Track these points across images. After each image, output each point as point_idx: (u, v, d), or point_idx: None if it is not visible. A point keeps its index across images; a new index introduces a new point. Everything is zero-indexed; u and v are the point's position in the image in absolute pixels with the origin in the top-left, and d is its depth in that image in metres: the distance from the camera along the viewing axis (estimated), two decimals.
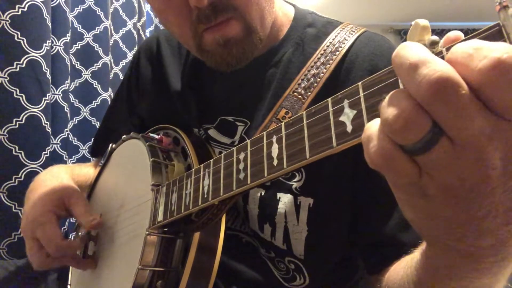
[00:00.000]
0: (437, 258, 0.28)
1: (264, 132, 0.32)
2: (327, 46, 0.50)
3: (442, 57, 0.20)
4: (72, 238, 0.61)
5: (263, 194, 0.51)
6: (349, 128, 0.25)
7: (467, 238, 0.23)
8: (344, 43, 0.50)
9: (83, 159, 1.03)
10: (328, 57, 0.49)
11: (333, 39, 0.51)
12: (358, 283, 0.60)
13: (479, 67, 0.18)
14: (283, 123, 0.30)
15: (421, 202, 0.22)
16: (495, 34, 0.19)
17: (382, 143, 0.21)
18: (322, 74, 0.48)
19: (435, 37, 0.21)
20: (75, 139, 1.03)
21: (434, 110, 0.19)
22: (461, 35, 0.21)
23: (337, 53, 0.49)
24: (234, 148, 0.36)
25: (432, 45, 0.21)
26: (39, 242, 0.53)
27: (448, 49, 0.20)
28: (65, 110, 0.94)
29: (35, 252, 0.53)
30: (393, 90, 0.22)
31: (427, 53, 0.19)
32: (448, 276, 0.28)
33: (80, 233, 0.59)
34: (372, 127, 0.22)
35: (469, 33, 0.20)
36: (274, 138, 0.31)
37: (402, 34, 3.51)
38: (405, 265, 0.38)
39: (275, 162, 0.30)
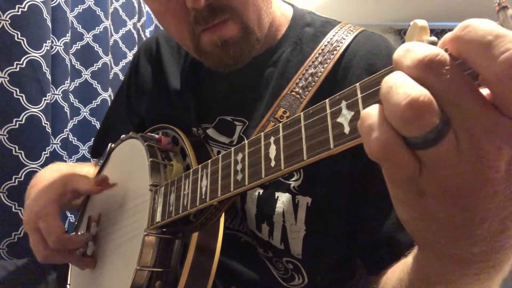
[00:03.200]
0: (428, 262, 0.27)
1: (262, 133, 0.32)
2: (325, 46, 0.50)
3: None
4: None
5: (261, 193, 0.51)
6: (346, 129, 0.24)
7: (460, 243, 0.22)
8: (341, 43, 0.50)
9: (83, 159, 1.03)
10: (326, 57, 0.49)
11: (331, 38, 0.51)
12: (357, 283, 0.60)
13: (500, 60, 0.16)
14: (280, 124, 0.30)
15: (418, 201, 0.22)
16: None
17: (386, 135, 0.19)
18: (320, 74, 0.48)
19: (434, 38, 0.21)
20: (75, 139, 1.03)
21: (426, 81, 0.18)
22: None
23: (335, 52, 0.49)
24: (232, 148, 0.36)
25: None
26: (42, 234, 0.53)
27: (447, 50, 0.20)
28: (65, 110, 0.94)
29: (38, 244, 0.53)
30: None
31: (420, 42, 0.19)
32: (439, 281, 0.27)
33: (80, 233, 0.59)
34: (372, 115, 0.20)
35: None
36: (272, 139, 0.31)
37: (402, 34, 3.51)
38: (400, 269, 0.38)
39: (273, 163, 0.30)
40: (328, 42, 0.51)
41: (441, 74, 0.18)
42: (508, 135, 0.18)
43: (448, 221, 0.22)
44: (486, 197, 0.20)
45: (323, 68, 0.48)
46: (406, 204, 0.23)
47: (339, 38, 0.51)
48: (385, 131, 0.19)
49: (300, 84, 0.48)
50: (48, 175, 0.61)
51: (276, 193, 0.50)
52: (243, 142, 0.35)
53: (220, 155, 0.37)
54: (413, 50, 0.19)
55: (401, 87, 0.18)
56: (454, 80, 0.18)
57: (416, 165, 0.20)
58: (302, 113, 0.28)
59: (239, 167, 0.34)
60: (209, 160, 0.39)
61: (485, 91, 0.19)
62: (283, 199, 0.50)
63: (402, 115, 0.18)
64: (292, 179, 0.50)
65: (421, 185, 0.21)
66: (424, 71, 0.18)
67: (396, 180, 0.22)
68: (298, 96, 0.48)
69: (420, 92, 0.18)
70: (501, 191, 0.19)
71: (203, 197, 0.38)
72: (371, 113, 0.20)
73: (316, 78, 0.48)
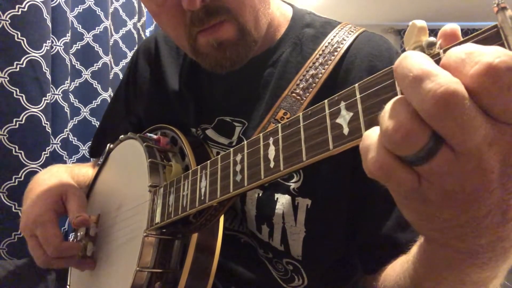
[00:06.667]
0: (435, 253, 0.28)
1: (261, 134, 0.32)
2: (326, 47, 0.50)
3: (439, 59, 0.19)
4: (71, 238, 0.61)
5: (260, 195, 0.51)
6: (345, 130, 0.24)
7: (467, 237, 0.23)
8: (342, 43, 0.50)
9: (83, 159, 1.03)
10: (326, 58, 0.49)
11: (332, 39, 0.51)
12: (357, 283, 0.60)
13: (471, 73, 0.17)
14: (279, 124, 0.30)
15: (421, 206, 0.22)
16: (493, 36, 0.19)
17: (381, 155, 0.21)
18: (320, 75, 0.48)
19: (432, 39, 0.21)
20: (75, 139, 1.03)
21: (438, 124, 0.18)
22: (456, 28, 0.21)
23: (336, 53, 0.49)
24: (231, 149, 0.36)
25: (429, 47, 0.21)
26: (39, 241, 0.53)
27: (445, 51, 0.20)
28: (65, 110, 0.94)
29: (37, 251, 0.53)
30: (390, 92, 0.22)
31: (430, 64, 0.19)
32: (446, 270, 0.28)
33: (79, 234, 0.59)
34: (370, 137, 0.21)
35: (469, 33, 0.20)
36: (271, 140, 0.31)
37: (402, 34, 3.51)
38: (402, 261, 0.39)
39: (272, 164, 0.30)
40: (328, 43, 0.51)
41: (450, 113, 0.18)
42: (504, 140, 0.19)
43: (452, 220, 0.22)
44: (485, 195, 0.20)
45: (323, 69, 0.48)
46: (411, 209, 0.24)
47: (339, 39, 0.50)
48: (381, 152, 0.21)
49: (301, 86, 0.48)
50: (46, 178, 0.60)
51: (275, 194, 0.50)
52: (242, 143, 0.35)
53: (219, 155, 0.37)
54: (422, 81, 0.18)
55: (391, 113, 0.20)
56: (463, 115, 0.18)
57: (413, 179, 0.21)
58: (301, 114, 0.28)
59: (238, 168, 0.34)
60: (208, 161, 0.39)
61: None
62: (282, 200, 0.50)
63: (390, 139, 0.20)
64: (291, 181, 0.50)
65: (423, 193, 0.22)
66: (435, 113, 0.18)
67: (399, 192, 0.23)
68: (298, 97, 0.48)
69: (405, 118, 0.19)
70: (498, 187, 0.20)
71: (203, 198, 0.38)
72: (370, 134, 0.22)
73: (317, 80, 0.48)
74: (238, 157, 0.34)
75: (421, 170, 0.20)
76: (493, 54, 0.17)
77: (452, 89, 0.18)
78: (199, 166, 0.41)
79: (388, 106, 0.20)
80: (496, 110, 0.18)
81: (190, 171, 0.42)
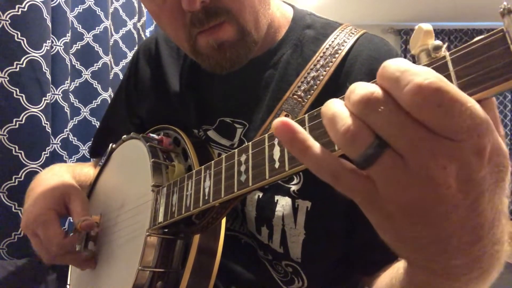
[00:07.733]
0: (415, 275, 0.29)
1: (266, 134, 0.32)
2: (327, 49, 0.50)
3: (446, 62, 0.20)
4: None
5: (260, 196, 0.51)
6: None
7: (438, 259, 0.23)
8: (343, 46, 0.50)
9: (83, 159, 1.03)
10: (327, 60, 0.49)
11: (332, 41, 0.51)
12: (357, 283, 0.60)
13: (404, 91, 0.19)
14: None
15: (387, 223, 0.23)
16: (499, 40, 0.19)
17: (327, 160, 0.22)
18: (321, 77, 0.48)
19: (438, 42, 0.21)
20: (75, 139, 1.02)
21: (368, 119, 0.20)
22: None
23: (337, 55, 0.49)
24: (236, 150, 0.36)
25: (435, 50, 0.21)
26: (42, 240, 0.53)
27: (451, 54, 0.20)
28: (65, 110, 0.94)
29: (41, 249, 0.54)
30: None
31: (362, 83, 0.21)
32: None
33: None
34: (318, 149, 0.23)
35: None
36: (276, 141, 0.31)
37: (402, 34, 3.52)
38: (390, 275, 0.39)
39: (277, 165, 0.30)
40: (329, 45, 0.51)
41: (379, 111, 0.20)
42: (451, 155, 0.19)
43: (418, 240, 0.23)
44: (446, 212, 0.21)
45: (325, 71, 0.48)
46: (381, 228, 0.25)
47: (340, 41, 0.51)
48: (328, 157, 0.23)
49: (302, 88, 0.48)
50: (48, 178, 0.60)
51: (275, 196, 0.50)
52: (246, 144, 0.35)
53: (224, 156, 0.37)
54: (353, 92, 0.21)
55: (339, 116, 0.22)
56: (394, 114, 0.20)
57: (367, 185, 0.22)
58: (306, 114, 0.28)
59: (243, 168, 0.34)
60: (212, 161, 0.39)
61: None
62: (282, 202, 0.50)
63: (339, 141, 0.22)
64: (292, 183, 0.50)
65: (384, 207, 0.22)
66: (364, 110, 0.21)
67: (362, 203, 0.24)
68: (300, 99, 0.48)
69: (350, 121, 0.21)
70: (458, 206, 0.20)
71: (206, 198, 0.38)
72: (317, 150, 0.23)
73: (318, 82, 0.48)
74: (243, 158, 0.34)
75: (372, 174, 0.21)
76: (423, 76, 0.18)
77: (371, 90, 0.20)
78: (203, 167, 0.41)
79: (333, 112, 0.22)
80: (431, 125, 0.19)
81: (194, 171, 0.42)
